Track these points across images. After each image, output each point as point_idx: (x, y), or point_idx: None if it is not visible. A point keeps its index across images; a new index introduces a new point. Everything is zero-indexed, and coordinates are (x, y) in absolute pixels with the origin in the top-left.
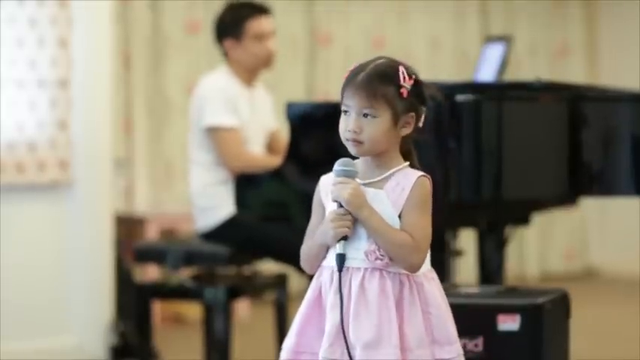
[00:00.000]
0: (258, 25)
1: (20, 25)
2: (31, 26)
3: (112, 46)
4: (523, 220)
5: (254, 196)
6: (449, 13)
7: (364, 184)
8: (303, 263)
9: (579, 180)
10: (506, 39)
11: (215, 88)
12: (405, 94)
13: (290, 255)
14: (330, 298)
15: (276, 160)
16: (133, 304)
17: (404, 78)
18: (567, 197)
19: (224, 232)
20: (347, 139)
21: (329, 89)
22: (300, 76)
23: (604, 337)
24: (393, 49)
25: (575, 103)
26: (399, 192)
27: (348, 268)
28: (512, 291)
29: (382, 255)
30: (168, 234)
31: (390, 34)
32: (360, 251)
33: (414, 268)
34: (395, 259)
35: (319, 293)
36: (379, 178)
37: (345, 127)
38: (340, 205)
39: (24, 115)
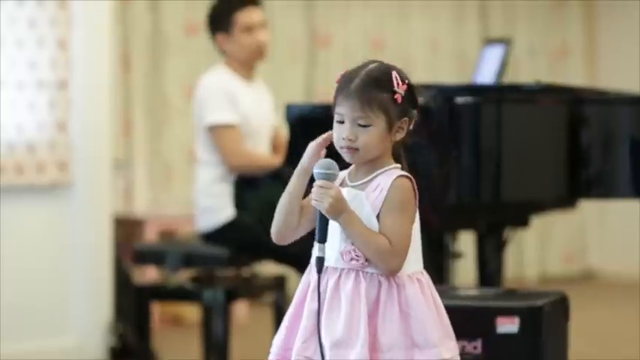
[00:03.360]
0: (247, 16)
1: (20, 26)
2: (31, 27)
3: (111, 47)
4: (522, 222)
5: (253, 198)
6: (448, 15)
7: (352, 186)
8: (273, 229)
9: (578, 182)
10: (505, 41)
11: (212, 86)
12: (399, 100)
13: (289, 257)
14: (308, 297)
15: (276, 160)
16: (132, 305)
17: (397, 84)
18: (566, 200)
19: (225, 234)
20: (341, 147)
21: (328, 91)
22: (299, 78)
23: (603, 339)
24: (393, 50)
25: (574, 106)
26: (377, 193)
27: (326, 267)
28: (512, 293)
29: (358, 256)
30: (167, 235)
31: (389, 35)
32: (337, 251)
33: (392, 272)
34: (373, 262)
35: (308, 290)
36: (365, 180)
37: (339, 135)
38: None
39: (23, 117)
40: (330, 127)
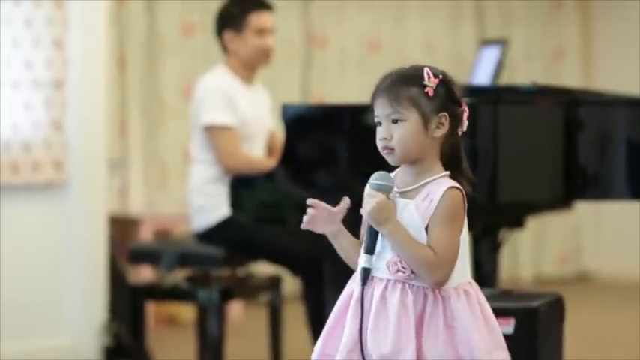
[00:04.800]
0: (260, 19)
1: (16, 25)
2: (27, 27)
3: (107, 47)
4: (518, 223)
5: (248, 198)
6: (444, 16)
7: (400, 193)
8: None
9: (574, 184)
10: (502, 42)
11: (211, 86)
12: (430, 93)
13: (284, 257)
14: (352, 306)
15: (271, 163)
16: (127, 305)
17: (428, 77)
18: (562, 201)
19: (219, 234)
20: (381, 149)
21: (324, 92)
22: (295, 78)
23: (598, 341)
24: (389, 52)
25: (570, 107)
26: (427, 203)
27: (372, 277)
28: (507, 294)
29: (404, 267)
30: (162, 235)
31: (385, 37)
32: (384, 262)
33: (438, 284)
34: (418, 274)
35: (350, 298)
36: (413, 188)
37: (378, 136)
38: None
39: (19, 116)
40: (325, 127)
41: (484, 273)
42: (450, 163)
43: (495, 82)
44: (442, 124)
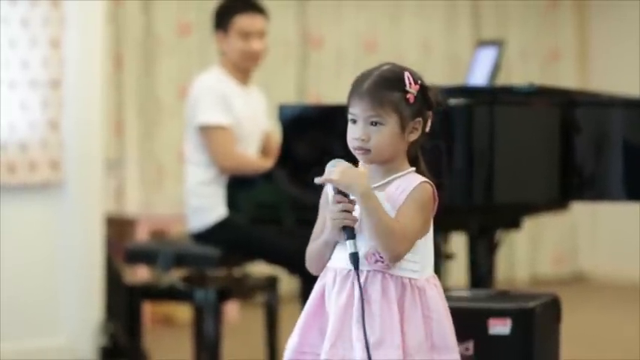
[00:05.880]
0: (245, 21)
1: (13, 25)
2: (24, 26)
3: (103, 46)
4: (514, 224)
5: (245, 198)
6: (441, 17)
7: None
8: (308, 264)
9: (570, 185)
10: (498, 43)
11: (206, 86)
12: (411, 100)
13: (281, 257)
14: (333, 300)
15: (267, 163)
16: (123, 305)
17: (410, 84)
18: (558, 202)
19: (216, 234)
20: (354, 148)
21: (320, 92)
22: (291, 78)
23: (594, 342)
24: (385, 52)
25: (567, 108)
26: (398, 194)
27: (350, 270)
28: (504, 295)
29: (382, 257)
30: (158, 235)
31: (382, 37)
32: (360, 253)
33: (395, 258)
34: (378, 244)
35: (322, 294)
36: (382, 182)
37: (352, 135)
38: (337, 192)
39: (16, 116)
40: (322, 127)
41: (480, 274)
42: (415, 161)
43: (492, 83)
44: (416, 128)
